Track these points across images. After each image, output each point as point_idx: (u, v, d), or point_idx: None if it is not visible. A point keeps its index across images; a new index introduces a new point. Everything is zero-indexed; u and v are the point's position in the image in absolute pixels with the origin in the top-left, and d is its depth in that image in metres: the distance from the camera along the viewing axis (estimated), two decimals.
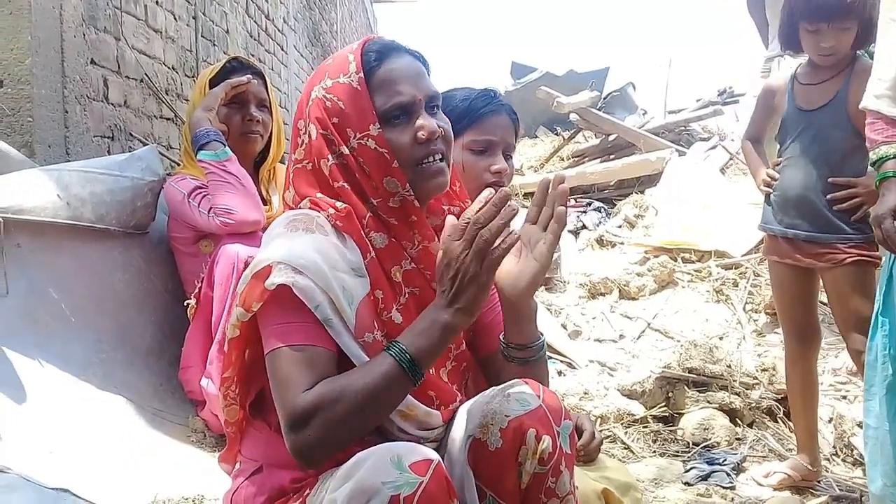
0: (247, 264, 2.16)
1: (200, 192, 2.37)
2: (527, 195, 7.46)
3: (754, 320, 4.34)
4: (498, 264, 1.24)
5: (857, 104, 2.43)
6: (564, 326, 4.38)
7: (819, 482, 2.64)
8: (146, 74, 3.32)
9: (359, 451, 1.18)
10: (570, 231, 6.33)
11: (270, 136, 2.64)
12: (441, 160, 1.37)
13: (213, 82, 2.52)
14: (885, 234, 2.01)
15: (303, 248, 1.28)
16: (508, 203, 1.23)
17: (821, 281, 2.58)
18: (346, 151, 1.35)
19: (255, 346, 1.34)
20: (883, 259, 2.25)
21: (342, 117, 1.35)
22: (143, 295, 2.56)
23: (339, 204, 1.35)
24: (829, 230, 2.46)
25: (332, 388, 1.20)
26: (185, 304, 2.36)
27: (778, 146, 2.66)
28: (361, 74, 1.34)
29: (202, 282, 2.27)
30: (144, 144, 3.10)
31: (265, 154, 2.65)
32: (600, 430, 2.95)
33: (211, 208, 2.31)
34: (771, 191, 2.62)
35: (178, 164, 2.83)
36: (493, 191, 1.26)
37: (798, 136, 2.55)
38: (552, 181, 1.37)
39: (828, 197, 2.44)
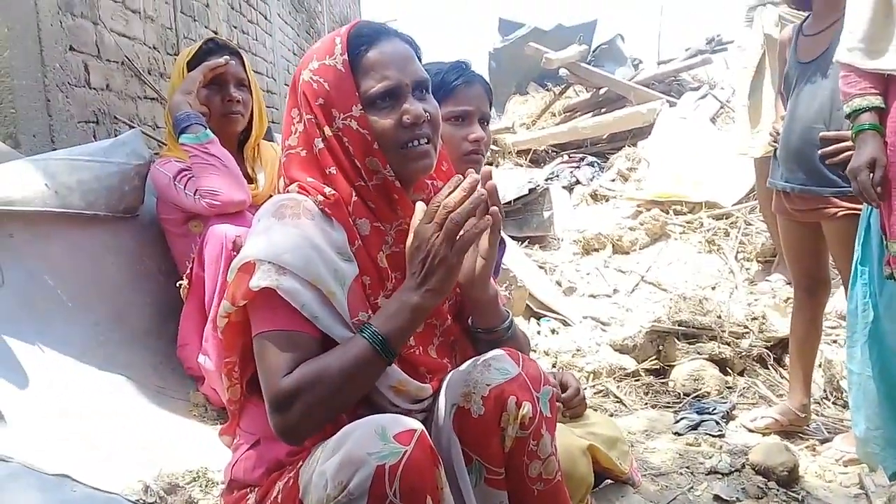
0: (235, 244, 2.22)
1: (185, 175, 2.39)
2: (520, 153, 7.48)
3: (746, 269, 4.40)
4: (468, 247, 1.28)
5: None
6: (559, 284, 4.43)
7: (808, 427, 2.69)
8: (126, 56, 3.31)
9: (348, 424, 1.23)
10: (563, 187, 6.36)
11: (252, 115, 2.65)
12: (426, 143, 1.39)
13: (191, 65, 2.53)
14: (861, 186, 2.04)
15: (288, 240, 1.30)
16: (478, 188, 1.28)
17: None
18: (330, 133, 1.37)
19: (248, 329, 1.37)
20: (862, 210, 2.28)
21: (327, 99, 1.37)
22: (137, 277, 2.59)
23: (327, 190, 1.37)
24: (822, 183, 2.43)
25: (310, 371, 1.25)
26: (178, 284, 2.40)
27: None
28: (346, 56, 1.37)
29: (193, 262, 2.31)
30: (130, 127, 3.11)
31: (248, 133, 2.67)
32: (593, 386, 3.02)
33: (196, 190, 2.34)
34: (777, 145, 2.62)
35: (165, 145, 2.85)
36: (461, 177, 1.30)
37: (795, 89, 2.53)
38: (481, 177, 1.32)
39: (819, 152, 2.40)
